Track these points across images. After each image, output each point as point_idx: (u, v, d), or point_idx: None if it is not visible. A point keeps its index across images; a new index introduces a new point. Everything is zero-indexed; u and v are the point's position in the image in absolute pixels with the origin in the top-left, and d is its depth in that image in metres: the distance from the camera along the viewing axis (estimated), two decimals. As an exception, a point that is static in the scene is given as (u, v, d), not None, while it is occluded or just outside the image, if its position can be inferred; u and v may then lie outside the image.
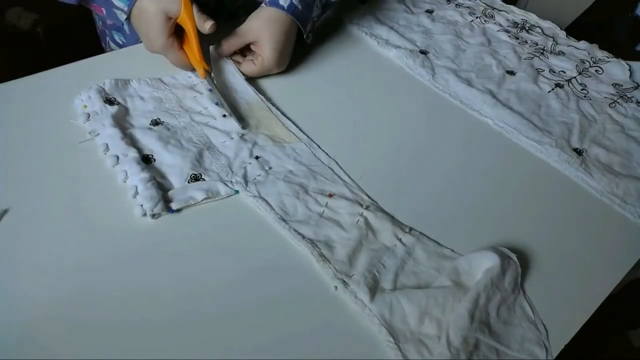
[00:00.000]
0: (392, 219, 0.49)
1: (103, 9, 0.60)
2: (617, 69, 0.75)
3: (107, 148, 0.51)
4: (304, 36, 0.66)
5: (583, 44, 0.80)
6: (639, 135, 0.64)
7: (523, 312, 0.43)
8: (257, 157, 0.53)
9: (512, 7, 0.87)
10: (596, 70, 0.75)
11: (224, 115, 0.57)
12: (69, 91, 0.56)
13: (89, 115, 0.54)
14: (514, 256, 0.45)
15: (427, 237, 0.48)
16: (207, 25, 0.58)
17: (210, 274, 0.43)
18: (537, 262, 0.48)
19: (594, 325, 0.45)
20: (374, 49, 0.73)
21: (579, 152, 0.60)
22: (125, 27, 0.65)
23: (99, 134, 0.52)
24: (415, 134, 0.61)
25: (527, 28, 0.83)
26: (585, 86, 0.72)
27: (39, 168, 0.50)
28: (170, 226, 0.46)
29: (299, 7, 0.62)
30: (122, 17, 0.59)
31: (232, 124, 0.56)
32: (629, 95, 0.71)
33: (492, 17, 0.84)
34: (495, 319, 0.42)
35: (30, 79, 0.59)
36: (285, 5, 0.61)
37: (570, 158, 0.59)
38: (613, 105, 0.69)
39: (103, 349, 0.38)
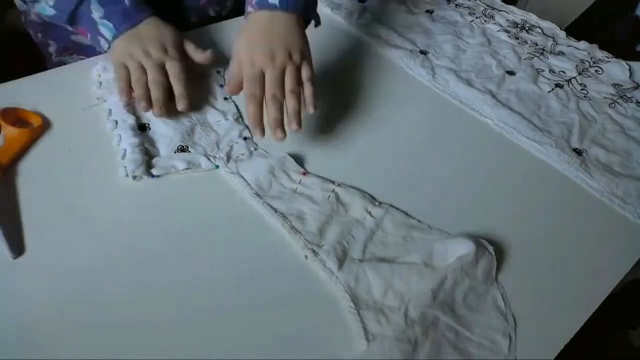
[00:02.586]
0: (363, 194, 0.50)
1: (88, 34, 0.57)
2: (617, 69, 0.75)
3: (110, 113, 0.55)
4: (314, 23, 0.59)
5: (583, 44, 0.80)
6: (639, 135, 0.64)
7: (494, 302, 0.44)
8: (245, 138, 0.55)
9: (512, 7, 0.87)
10: (596, 71, 0.75)
11: (225, 98, 0.60)
12: (71, 91, 0.57)
13: (100, 83, 0.58)
14: (490, 248, 0.46)
15: (396, 208, 0.50)
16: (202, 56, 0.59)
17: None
18: (537, 262, 0.48)
19: (594, 324, 0.45)
20: (373, 49, 0.73)
21: (578, 152, 0.60)
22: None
23: (105, 100, 0.56)
24: (414, 134, 0.61)
25: (527, 28, 0.83)
26: (585, 86, 0.72)
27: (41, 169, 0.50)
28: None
29: None
30: (106, 46, 0.57)
31: (231, 106, 0.59)
32: (628, 96, 0.71)
33: (492, 17, 0.84)
34: (461, 304, 0.43)
35: (32, 80, 0.59)
36: (277, 2, 0.53)
37: (570, 158, 0.59)
38: (613, 105, 0.69)
39: (104, 349, 0.38)
